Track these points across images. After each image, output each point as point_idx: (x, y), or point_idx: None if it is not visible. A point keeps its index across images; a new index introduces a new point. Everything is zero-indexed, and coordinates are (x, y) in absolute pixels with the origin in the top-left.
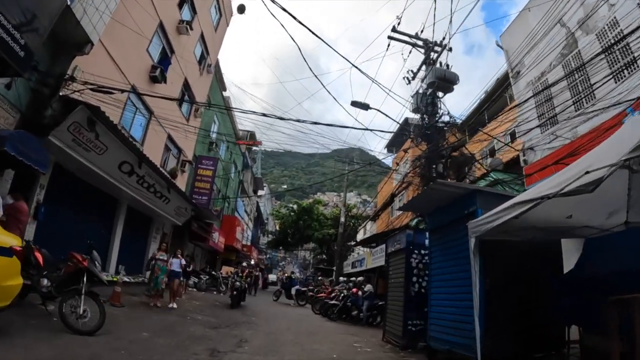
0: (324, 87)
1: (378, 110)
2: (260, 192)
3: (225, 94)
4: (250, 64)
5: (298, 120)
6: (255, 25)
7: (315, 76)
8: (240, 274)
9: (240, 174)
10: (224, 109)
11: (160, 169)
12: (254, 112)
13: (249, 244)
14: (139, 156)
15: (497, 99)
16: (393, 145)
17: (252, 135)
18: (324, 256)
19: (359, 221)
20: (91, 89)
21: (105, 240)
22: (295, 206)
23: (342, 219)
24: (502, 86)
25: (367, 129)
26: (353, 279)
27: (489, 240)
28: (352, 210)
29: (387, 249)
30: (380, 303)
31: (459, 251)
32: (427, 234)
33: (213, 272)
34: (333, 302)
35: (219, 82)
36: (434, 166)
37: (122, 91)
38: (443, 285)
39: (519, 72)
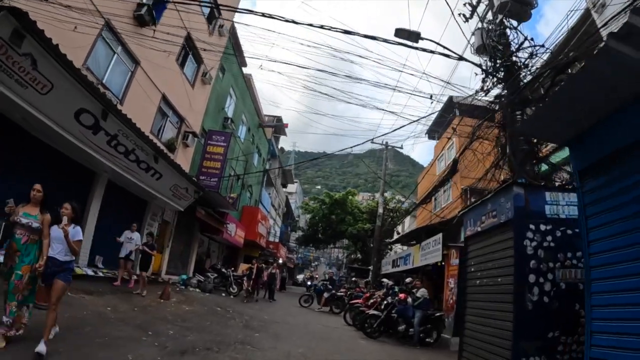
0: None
1: (435, 42)
2: (290, 187)
3: (245, 71)
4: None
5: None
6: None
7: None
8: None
9: (264, 162)
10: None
11: (150, 135)
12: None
13: (276, 241)
14: (104, 104)
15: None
16: (435, 131)
17: (279, 119)
18: (359, 254)
19: (397, 215)
20: None
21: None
22: (326, 198)
23: (380, 210)
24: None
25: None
26: (393, 285)
27: None
28: (390, 204)
29: (464, 230)
30: (438, 314)
31: None
32: (547, 195)
33: (223, 270)
34: (372, 311)
35: (235, 53)
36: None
37: None
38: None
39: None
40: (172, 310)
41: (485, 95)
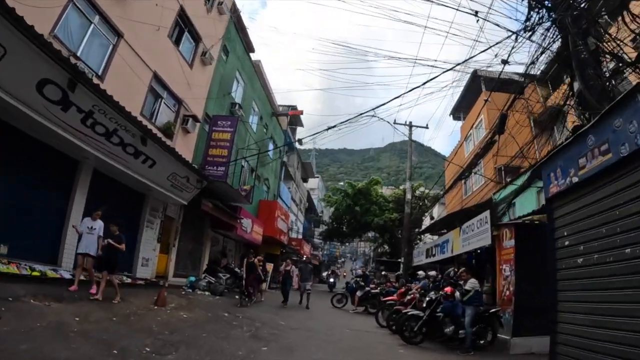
0: None
1: None
2: (312, 183)
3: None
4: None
5: None
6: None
7: None
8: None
9: (281, 153)
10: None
11: (141, 117)
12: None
13: (299, 237)
14: (71, 72)
15: None
16: (459, 110)
17: (293, 107)
18: (386, 247)
19: (425, 203)
20: None
21: (55, 219)
22: (349, 188)
23: (408, 196)
24: None
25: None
26: (438, 275)
27: None
28: (417, 191)
29: (545, 189)
30: (493, 310)
31: None
32: None
33: (236, 270)
34: (411, 311)
35: (240, 35)
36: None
37: None
38: None
39: None
40: (164, 319)
41: (531, 35)
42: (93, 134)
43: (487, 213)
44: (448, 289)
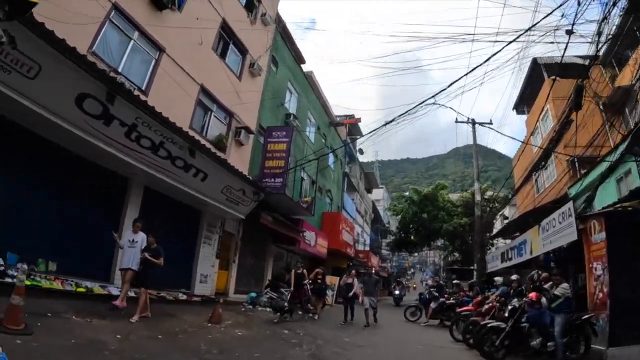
0: None
1: None
2: (376, 194)
3: (304, 68)
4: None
5: None
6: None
7: None
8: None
9: (342, 164)
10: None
11: (190, 131)
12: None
13: (366, 249)
14: (108, 84)
15: None
16: (522, 103)
17: (350, 116)
18: (457, 255)
19: (495, 205)
20: None
21: (108, 237)
22: (414, 195)
23: (478, 197)
24: None
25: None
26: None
27: None
28: (487, 193)
29: None
30: (586, 316)
31: None
32: None
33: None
34: (490, 322)
35: (288, 45)
36: None
37: None
38: None
39: None
40: (215, 337)
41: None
42: (139, 148)
43: (570, 205)
44: (533, 295)
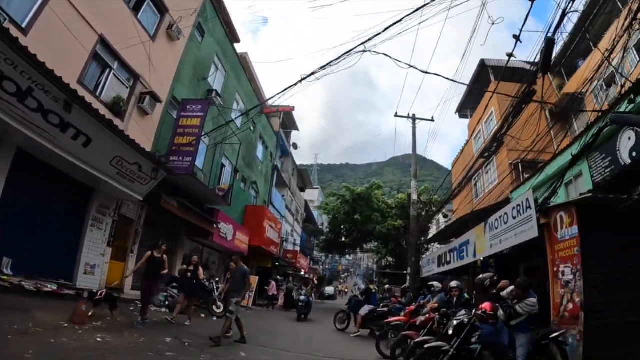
0: None
1: None
2: (311, 194)
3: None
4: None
5: None
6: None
7: None
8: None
9: (273, 156)
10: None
11: (78, 86)
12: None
13: (296, 249)
14: None
15: None
16: (465, 107)
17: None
18: (391, 259)
19: (431, 208)
20: None
21: None
22: (346, 193)
23: (414, 197)
24: None
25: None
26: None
27: None
28: (422, 196)
29: None
30: (555, 334)
31: None
32: None
33: (206, 282)
34: (429, 340)
35: (220, 17)
36: None
37: None
38: None
39: None
40: (61, 342)
41: None
42: (2, 94)
43: (529, 194)
44: (487, 306)
